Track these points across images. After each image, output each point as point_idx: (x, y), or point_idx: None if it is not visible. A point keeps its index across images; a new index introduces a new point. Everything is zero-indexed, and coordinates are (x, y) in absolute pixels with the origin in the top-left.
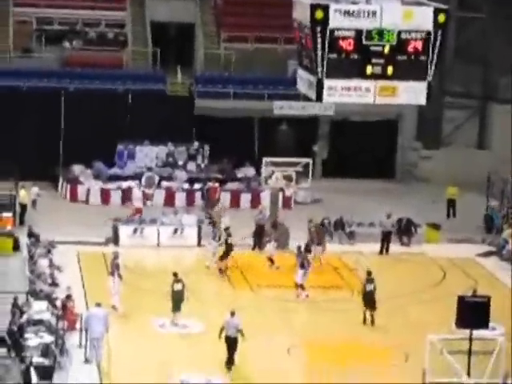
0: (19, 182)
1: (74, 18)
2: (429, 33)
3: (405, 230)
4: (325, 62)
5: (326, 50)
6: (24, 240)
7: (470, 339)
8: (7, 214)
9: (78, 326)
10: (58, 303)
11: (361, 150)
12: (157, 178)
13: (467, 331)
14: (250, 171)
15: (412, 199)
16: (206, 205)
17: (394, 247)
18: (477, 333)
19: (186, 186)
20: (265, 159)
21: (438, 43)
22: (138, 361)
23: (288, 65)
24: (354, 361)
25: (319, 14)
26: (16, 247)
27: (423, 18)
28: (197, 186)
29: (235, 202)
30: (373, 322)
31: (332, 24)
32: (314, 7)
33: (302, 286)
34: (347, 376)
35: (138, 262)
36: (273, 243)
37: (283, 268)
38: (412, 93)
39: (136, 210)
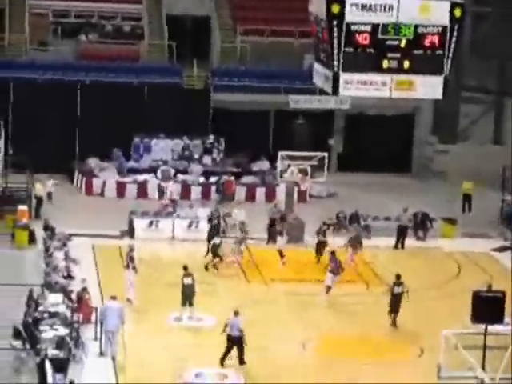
0: (35, 174)
1: (90, 10)
2: (445, 27)
3: (420, 224)
4: (341, 56)
5: (343, 43)
6: (40, 233)
7: (485, 334)
8: (23, 207)
9: (93, 318)
10: (74, 296)
11: (376, 144)
12: (172, 172)
13: (482, 326)
14: (265, 165)
15: (428, 194)
16: (222, 198)
17: (410, 241)
18: (492, 328)
19: (202, 179)
20: (280, 153)
21: (454, 37)
22: (152, 354)
23: (304, 58)
24: (368, 355)
25: (336, 8)
26: (32, 240)
27: (440, 13)
28: (212, 179)
29: (250, 196)
30: (394, 323)
31: (348, 18)
32: (330, 1)
33: (328, 288)
34: (361, 370)
35: (153, 255)
36: (284, 237)
37: (298, 263)
38: (428, 87)
39: (169, 201)
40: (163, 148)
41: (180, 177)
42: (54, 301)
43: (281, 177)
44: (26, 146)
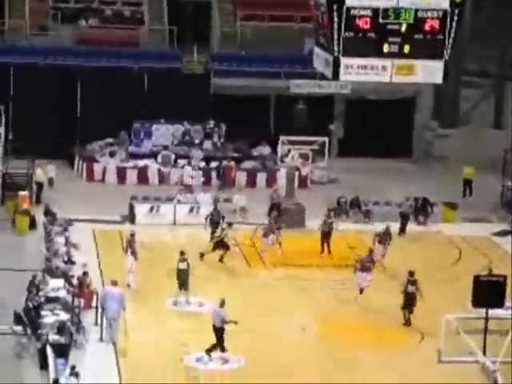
0: (35, 160)
1: None
2: (446, 11)
3: (421, 209)
4: (341, 41)
5: (343, 28)
6: (41, 218)
7: (486, 318)
8: (24, 193)
9: (94, 303)
10: (75, 281)
11: (377, 129)
12: (173, 157)
13: (483, 310)
14: (265, 150)
15: (428, 178)
16: (222, 184)
17: (410, 226)
18: (492, 312)
19: (202, 164)
20: (281, 138)
21: (454, 22)
22: (153, 339)
23: (304, 43)
24: (368, 340)
25: None
26: (33, 225)
27: None
28: (213, 164)
29: (251, 182)
30: (409, 324)
31: (348, 2)
32: None
33: (361, 291)
34: (362, 355)
35: (153, 240)
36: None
37: (299, 248)
38: (429, 71)
39: (184, 186)
40: (163, 133)
41: (180, 162)
42: (55, 286)
43: (281, 162)
44: (27, 132)
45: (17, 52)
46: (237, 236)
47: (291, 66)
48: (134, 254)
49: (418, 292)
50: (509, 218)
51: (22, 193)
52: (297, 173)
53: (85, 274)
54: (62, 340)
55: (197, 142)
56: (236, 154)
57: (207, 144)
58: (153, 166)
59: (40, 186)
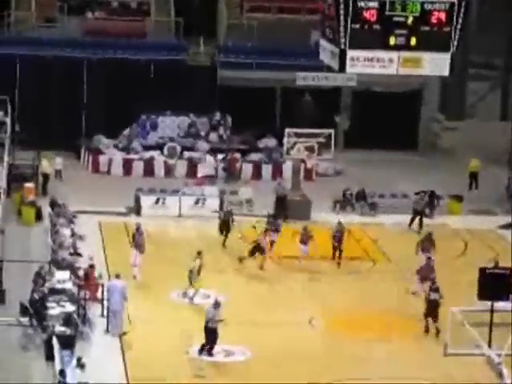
0: (41, 152)
1: None
2: (452, 4)
3: (427, 201)
4: (348, 33)
5: (349, 20)
6: (46, 210)
7: (492, 311)
8: (30, 184)
9: (99, 295)
10: (81, 273)
11: (383, 121)
12: (179, 149)
13: (489, 303)
14: (271, 142)
15: (435, 171)
16: (228, 176)
17: (417, 219)
18: (498, 305)
19: (208, 156)
20: (287, 130)
21: (461, 14)
22: (158, 331)
23: (311, 35)
24: (375, 332)
25: None
26: (39, 217)
27: None
28: (219, 156)
29: (257, 174)
30: (438, 333)
31: None
32: None
33: (414, 293)
34: (368, 347)
35: (159, 232)
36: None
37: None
38: (435, 64)
39: (206, 177)
40: (169, 125)
41: (186, 154)
42: (61, 278)
43: (287, 154)
44: (33, 123)
45: (23, 43)
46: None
47: (297, 58)
48: (138, 247)
49: (441, 300)
50: None
51: (27, 184)
52: (302, 165)
53: (91, 266)
54: (68, 331)
55: (203, 134)
56: (242, 146)
57: (213, 136)
58: (159, 158)
59: (46, 177)
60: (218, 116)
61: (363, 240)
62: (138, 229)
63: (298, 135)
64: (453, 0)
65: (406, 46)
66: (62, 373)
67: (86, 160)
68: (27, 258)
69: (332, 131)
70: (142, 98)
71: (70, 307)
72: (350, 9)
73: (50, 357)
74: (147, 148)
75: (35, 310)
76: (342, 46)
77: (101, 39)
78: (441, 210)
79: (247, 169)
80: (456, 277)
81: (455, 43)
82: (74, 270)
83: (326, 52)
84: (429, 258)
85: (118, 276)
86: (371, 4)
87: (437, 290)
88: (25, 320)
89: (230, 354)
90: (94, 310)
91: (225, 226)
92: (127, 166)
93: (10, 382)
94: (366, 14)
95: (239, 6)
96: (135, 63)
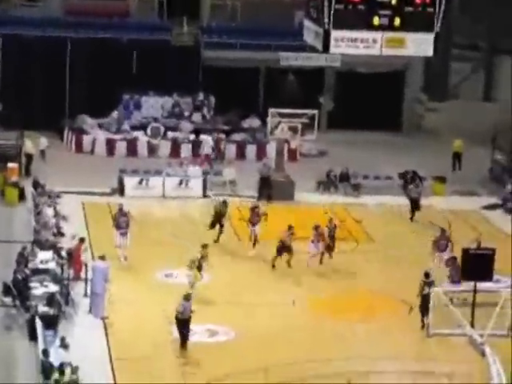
0: (25, 132)
1: None
2: None
3: (410, 182)
4: (331, 13)
5: (333, 0)
6: (30, 190)
7: (475, 291)
8: (13, 165)
9: (83, 275)
10: (64, 253)
11: (367, 102)
12: (162, 129)
13: (472, 283)
14: (255, 122)
15: (418, 151)
16: (215, 157)
17: (399, 200)
18: (481, 285)
19: (192, 136)
20: (271, 110)
21: None
22: (142, 311)
23: (295, 15)
24: (358, 312)
25: None
26: (22, 197)
27: None
28: (203, 136)
29: (240, 154)
30: (424, 327)
31: None
32: None
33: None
34: (351, 328)
35: (143, 213)
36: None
37: (289, 221)
38: (419, 44)
39: (205, 157)
40: (153, 105)
41: (170, 134)
42: (44, 258)
43: (271, 134)
44: (16, 103)
45: (5, 23)
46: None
47: (281, 39)
48: (118, 227)
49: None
50: (498, 192)
51: (11, 164)
52: (286, 145)
53: (82, 240)
54: (51, 312)
55: (186, 114)
56: (226, 127)
57: (197, 116)
58: (142, 138)
59: (29, 157)
60: (201, 96)
61: (347, 221)
62: (120, 210)
63: (281, 115)
64: None
65: (390, 27)
66: (46, 353)
67: (69, 140)
68: (10, 238)
69: (316, 112)
70: (125, 78)
71: (53, 287)
72: None
73: (33, 337)
74: (131, 128)
75: (18, 290)
76: (326, 27)
77: (83, 19)
78: (424, 191)
79: (231, 149)
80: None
81: (439, 24)
82: (57, 250)
83: (310, 32)
84: (454, 258)
85: (102, 257)
86: None
87: (430, 284)
88: (8, 300)
89: (214, 333)
90: (78, 290)
91: (217, 220)
92: (110, 146)
93: None
94: None
95: None
96: (118, 43)
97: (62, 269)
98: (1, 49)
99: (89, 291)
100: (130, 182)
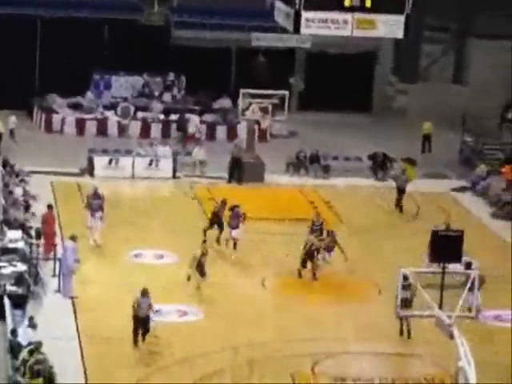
0: None
1: None
2: None
3: (380, 164)
4: None
5: None
6: None
7: (443, 273)
8: None
9: (52, 255)
10: (32, 232)
11: (337, 83)
12: (132, 109)
13: (440, 265)
14: (226, 103)
15: (388, 133)
16: (182, 137)
17: (369, 182)
18: (450, 267)
19: (162, 117)
20: (242, 91)
21: None
22: (112, 291)
23: None
24: (328, 293)
25: None
26: None
27: None
28: (173, 116)
29: (211, 134)
30: (409, 334)
31: None
32: None
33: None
34: (320, 309)
35: (113, 194)
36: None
37: (258, 202)
38: (390, 26)
39: (190, 136)
40: (123, 85)
41: (140, 114)
42: (13, 237)
43: (242, 115)
44: None
45: None
46: (196, 189)
47: (252, 19)
48: (91, 210)
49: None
50: (467, 174)
51: None
52: (257, 126)
53: (50, 207)
54: (20, 291)
55: (156, 94)
56: (196, 107)
57: (167, 96)
58: (112, 118)
59: None
60: (171, 76)
61: (316, 202)
62: (95, 192)
63: (252, 96)
64: None
65: (361, 8)
66: (14, 332)
67: (39, 119)
68: None
69: (286, 92)
70: (95, 57)
71: (21, 267)
72: None
73: (1, 316)
74: (100, 108)
75: None
76: (297, 7)
77: None
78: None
79: (201, 129)
80: (409, 239)
81: (409, 5)
82: (25, 229)
83: (281, 13)
84: (482, 281)
85: (72, 238)
86: None
87: (407, 287)
88: None
89: (183, 314)
90: (47, 270)
91: (216, 220)
92: (80, 126)
93: None
94: None
95: None
96: (89, 22)
97: (31, 248)
98: None
99: (57, 271)
100: (99, 161)
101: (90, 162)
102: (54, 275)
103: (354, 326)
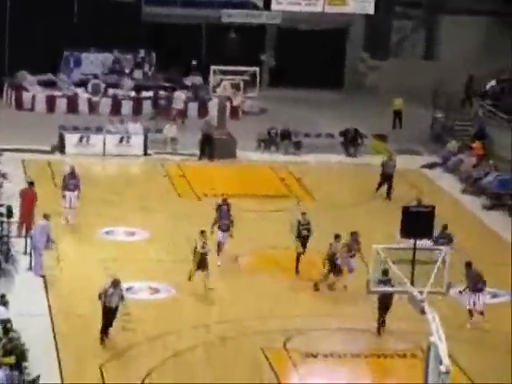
0: None
1: None
2: None
3: (351, 140)
4: None
5: None
6: None
7: (414, 249)
8: None
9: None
10: (3, 209)
11: (309, 59)
12: (103, 86)
13: (411, 241)
14: (197, 79)
15: (359, 110)
16: (155, 113)
17: (340, 158)
18: (421, 243)
19: (133, 94)
20: (212, 67)
21: None
22: (84, 269)
23: None
24: (300, 271)
25: None
26: None
27: None
28: (144, 93)
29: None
30: (379, 329)
31: None
32: None
33: (482, 313)
34: (290, 286)
35: (84, 171)
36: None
37: (230, 178)
38: (360, 2)
39: (178, 112)
40: (93, 62)
41: (111, 91)
42: None
43: (213, 91)
44: None
45: None
46: (167, 166)
47: None
48: (67, 189)
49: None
50: (438, 151)
51: None
52: (228, 103)
53: (31, 183)
54: None
55: (127, 71)
56: (167, 84)
57: (138, 73)
58: (82, 95)
59: None
60: (142, 53)
61: (287, 179)
62: (71, 171)
63: (223, 73)
64: None
65: None
66: None
67: (9, 97)
68: None
69: (257, 69)
70: (65, 33)
71: None
72: None
73: None
74: (71, 85)
75: None
76: None
77: None
78: (365, 149)
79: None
80: (380, 215)
81: None
82: None
83: None
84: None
85: (45, 216)
86: None
87: (387, 282)
88: None
89: (155, 291)
90: (18, 247)
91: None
92: (51, 103)
93: None
94: None
95: None
96: None
97: (2, 226)
98: None
99: (29, 249)
100: (70, 139)
101: (61, 139)
102: (25, 253)
103: (326, 303)
